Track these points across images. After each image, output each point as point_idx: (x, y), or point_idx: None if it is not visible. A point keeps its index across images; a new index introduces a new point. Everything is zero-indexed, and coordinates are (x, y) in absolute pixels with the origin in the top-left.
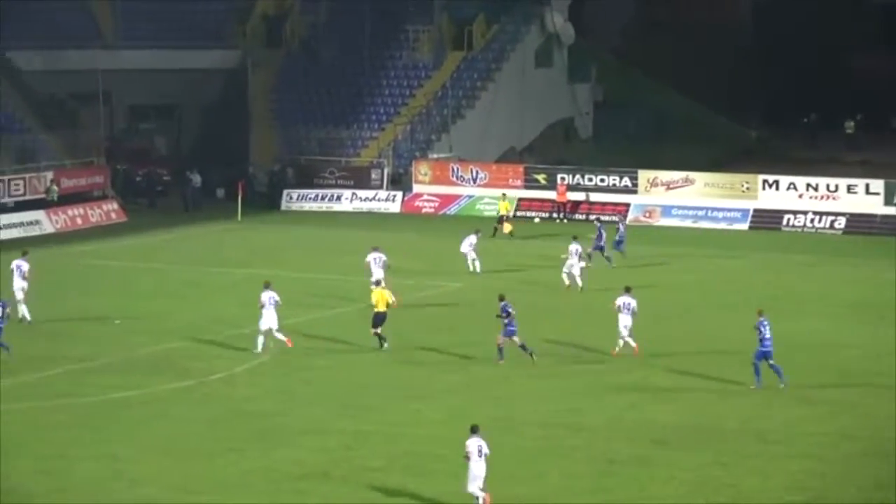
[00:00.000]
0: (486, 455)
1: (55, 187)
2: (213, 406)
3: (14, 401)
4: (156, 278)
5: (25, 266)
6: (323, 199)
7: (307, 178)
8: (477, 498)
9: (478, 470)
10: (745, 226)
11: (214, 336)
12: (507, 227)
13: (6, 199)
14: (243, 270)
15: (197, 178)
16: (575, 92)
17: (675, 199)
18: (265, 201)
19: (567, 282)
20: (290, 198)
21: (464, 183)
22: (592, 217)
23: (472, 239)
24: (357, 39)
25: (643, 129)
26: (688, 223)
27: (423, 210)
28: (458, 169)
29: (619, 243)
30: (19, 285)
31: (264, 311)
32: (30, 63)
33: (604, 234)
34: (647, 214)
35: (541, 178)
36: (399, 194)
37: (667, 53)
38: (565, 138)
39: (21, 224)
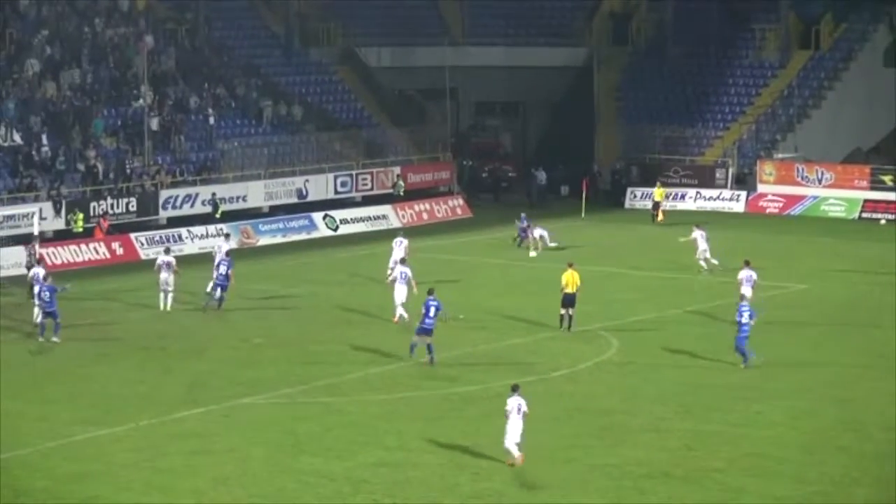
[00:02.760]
0: (524, 413)
1: (402, 182)
2: (557, 402)
3: (363, 393)
4: (500, 274)
5: (173, 261)
6: (667, 197)
7: (651, 177)
8: (510, 452)
9: (515, 427)
10: None
11: (556, 333)
12: (659, 215)
13: (354, 194)
14: (587, 268)
15: (542, 175)
16: None
17: None
18: (609, 199)
19: (706, 266)
20: (634, 196)
21: (809, 184)
22: None
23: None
24: (703, 38)
25: None
26: None
27: (768, 210)
28: (803, 169)
29: None
30: (164, 277)
31: None
32: (379, 59)
33: None
34: None
35: (887, 179)
36: (743, 194)
37: None
38: None
39: (368, 218)
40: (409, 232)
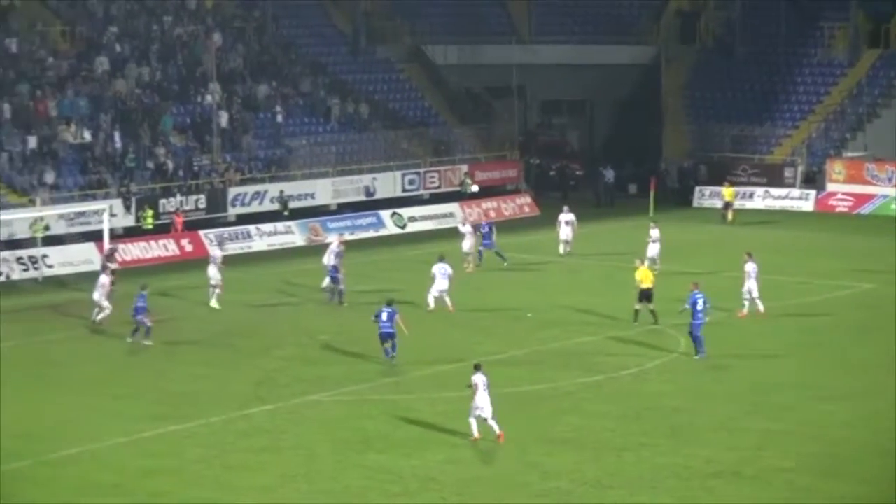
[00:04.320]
0: (486, 385)
1: (469, 180)
2: (625, 401)
3: (431, 390)
4: (568, 272)
5: (219, 254)
6: (735, 196)
7: (719, 175)
8: (470, 425)
9: (482, 401)
10: None
11: (625, 331)
12: (729, 214)
13: (421, 192)
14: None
15: (609, 174)
16: None
17: None
18: (677, 198)
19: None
20: (703, 194)
21: (879, 182)
22: None
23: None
24: (772, 36)
25: None
26: None
27: (837, 209)
28: (872, 168)
29: None
30: (213, 273)
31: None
32: (446, 57)
33: None
34: None
35: None
36: (812, 193)
37: None
38: None
39: (435, 216)
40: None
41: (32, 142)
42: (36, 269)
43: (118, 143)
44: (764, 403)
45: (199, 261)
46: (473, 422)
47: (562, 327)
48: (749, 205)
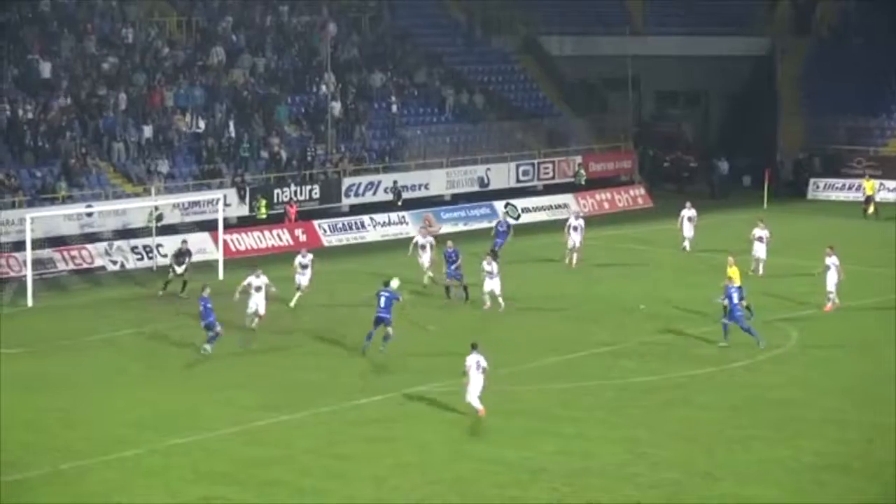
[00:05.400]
0: (483, 369)
1: (583, 171)
2: (735, 393)
3: (541, 381)
4: (680, 264)
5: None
6: (850, 188)
7: (834, 168)
8: (472, 406)
9: (475, 383)
10: None
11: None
12: (870, 208)
13: (535, 182)
14: (769, 259)
15: (724, 165)
16: None
17: None
18: (791, 190)
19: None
20: (817, 187)
21: None
22: None
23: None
24: (887, 26)
25: None
26: None
27: None
28: None
29: None
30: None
31: None
32: (561, 48)
33: None
34: None
35: None
36: None
37: None
38: None
39: (550, 207)
40: (591, 221)
41: (148, 131)
42: (150, 258)
43: (233, 133)
44: (874, 396)
45: (314, 252)
46: (474, 401)
47: (672, 319)
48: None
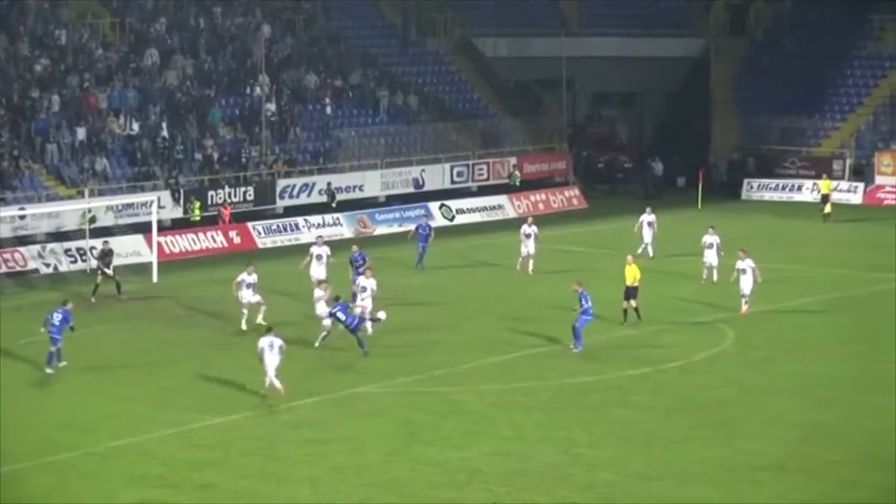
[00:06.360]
0: (280, 347)
1: (518, 172)
2: (671, 394)
3: (478, 383)
4: (615, 265)
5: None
6: (784, 188)
7: (768, 168)
8: (273, 384)
9: (271, 362)
10: None
11: (671, 324)
12: (827, 207)
13: (470, 184)
14: (697, 258)
15: (658, 166)
16: None
17: None
18: (725, 190)
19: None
20: (751, 187)
21: None
22: None
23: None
24: (821, 28)
25: None
26: None
27: (885, 202)
28: None
29: None
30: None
31: None
32: (496, 49)
33: None
34: None
35: None
36: (861, 185)
37: None
38: None
39: (484, 208)
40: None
41: (81, 133)
42: (84, 260)
43: (166, 135)
44: (811, 396)
45: (247, 253)
46: (268, 380)
47: (609, 320)
48: (797, 197)
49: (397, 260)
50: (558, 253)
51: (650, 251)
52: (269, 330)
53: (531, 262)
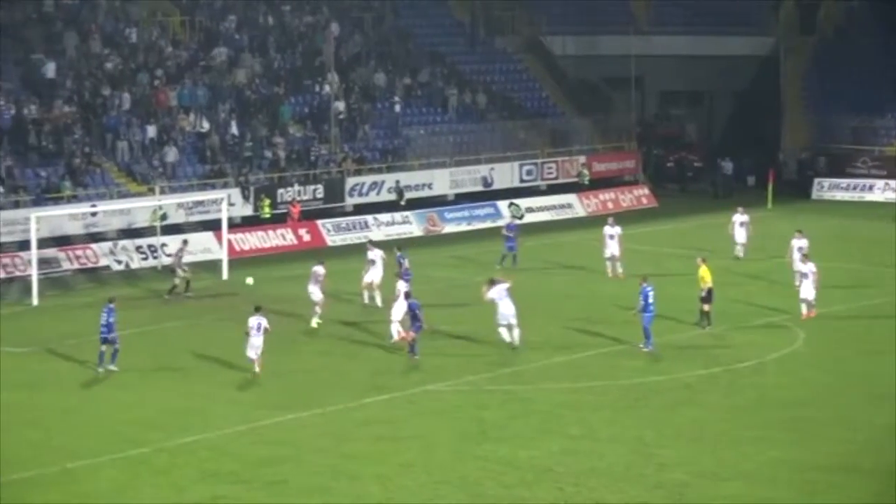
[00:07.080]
0: (265, 329)
1: (586, 171)
2: (742, 394)
3: (547, 381)
4: (686, 264)
5: (322, 272)
6: (855, 188)
7: (839, 167)
8: (253, 362)
9: (256, 342)
10: None
11: (744, 324)
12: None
13: (539, 182)
14: (775, 260)
15: (728, 165)
16: None
17: None
18: (795, 189)
19: None
20: (822, 186)
21: None
22: None
23: None
24: (893, 25)
25: None
26: None
27: None
28: None
29: None
30: (314, 291)
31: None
32: (564, 48)
33: None
34: None
35: None
36: None
37: None
38: None
39: (553, 207)
40: (594, 221)
41: (151, 131)
42: (155, 257)
43: (236, 133)
44: (883, 397)
45: (317, 250)
46: (252, 357)
47: (680, 319)
48: (869, 197)
49: (467, 257)
50: (628, 252)
51: (741, 252)
52: (258, 309)
53: (619, 265)
